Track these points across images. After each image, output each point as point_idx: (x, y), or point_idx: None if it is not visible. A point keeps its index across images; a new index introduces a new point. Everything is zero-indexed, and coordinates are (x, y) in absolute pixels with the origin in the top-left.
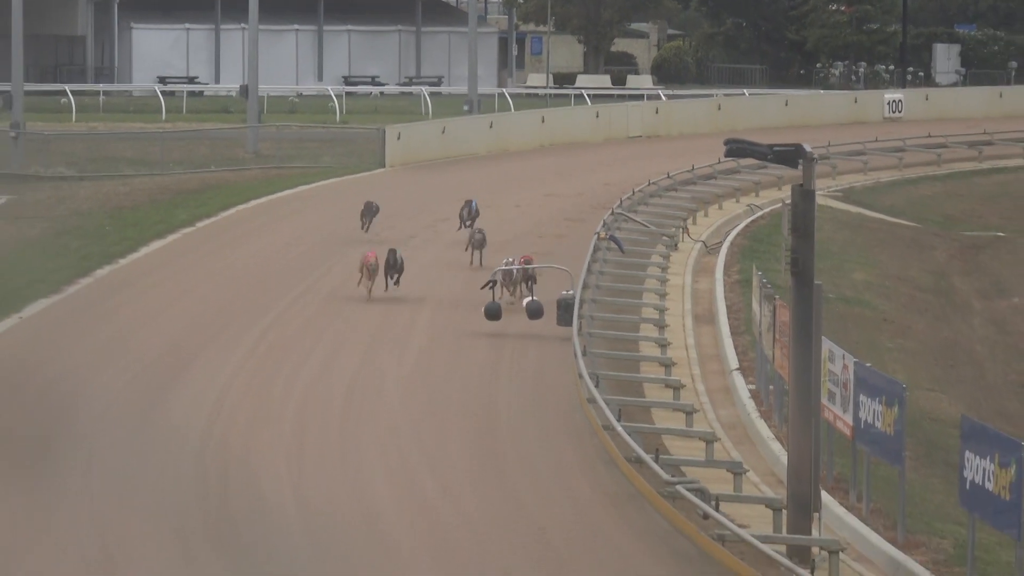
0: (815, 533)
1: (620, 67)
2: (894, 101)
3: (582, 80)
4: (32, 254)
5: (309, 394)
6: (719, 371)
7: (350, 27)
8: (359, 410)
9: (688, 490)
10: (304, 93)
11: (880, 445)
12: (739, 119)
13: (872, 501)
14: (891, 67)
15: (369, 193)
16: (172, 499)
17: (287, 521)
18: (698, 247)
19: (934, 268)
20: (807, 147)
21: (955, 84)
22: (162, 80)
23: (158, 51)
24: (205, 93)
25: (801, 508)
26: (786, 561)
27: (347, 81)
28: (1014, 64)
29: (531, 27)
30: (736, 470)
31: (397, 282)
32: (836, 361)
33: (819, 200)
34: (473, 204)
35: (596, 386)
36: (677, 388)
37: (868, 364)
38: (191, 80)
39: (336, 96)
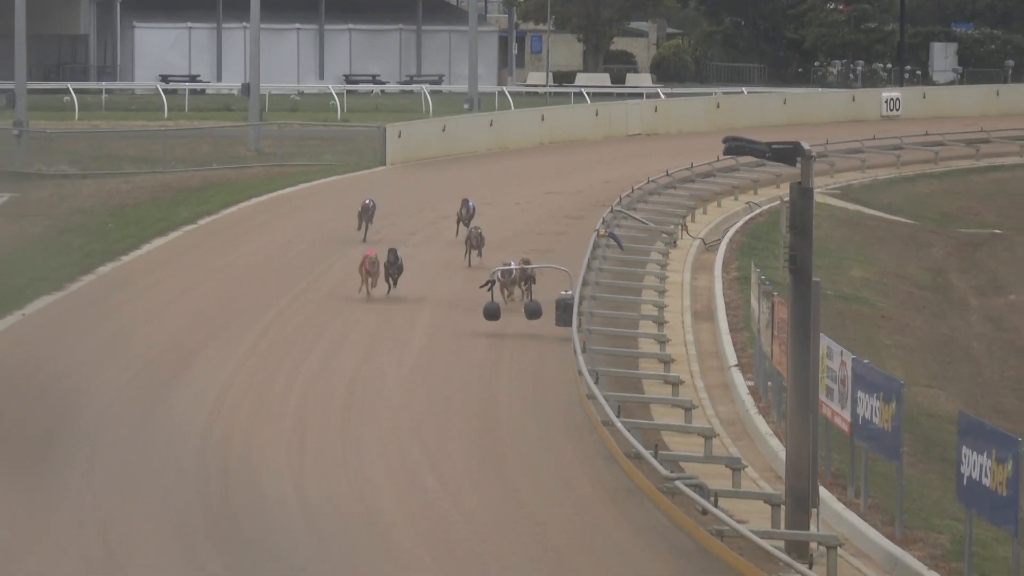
0: (813, 529)
1: (619, 65)
2: (892, 99)
3: (582, 78)
4: (35, 252)
5: (310, 391)
6: (718, 367)
7: (351, 26)
8: (360, 407)
9: (687, 486)
10: (305, 91)
11: (878, 441)
12: (738, 117)
13: (870, 497)
14: (889, 66)
15: (370, 191)
16: (174, 496)
17: (288, 518)
18: (697, 244)
19: (932, 265)
20: (805, 145)
21: (952, 82)
22: (164, 78)
23: (160, 50)
24: (207, 91)
25: (799, 504)
26: (784, 556)
27: (348, 79)
28: (1011, 63)
29: (531, 26)
30: (735, 466)
31: (395, 283)
32: (834, 358)
33: (817, 198)
34: (470, 204)
35: (596, 382)
36: (676, 384)
37: (866, 361)
38: (193, 78)
39: (337, 94)
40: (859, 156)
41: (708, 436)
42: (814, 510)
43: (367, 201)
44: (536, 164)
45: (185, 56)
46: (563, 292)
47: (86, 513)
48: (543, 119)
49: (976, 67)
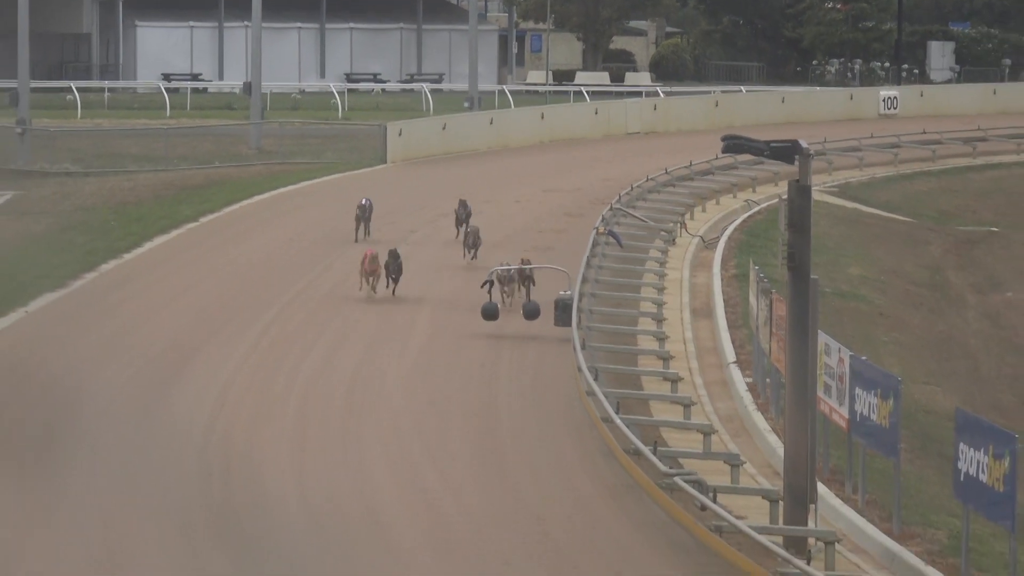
0: (811, 524)
1: (619, 64)
2: (889, 98)
3: (581, 77)
4: (38, 249)
5: (311, 390)
6: (716, 364)
7: (352, 25)
8: (360, 405)
9: (686, 482)
10: (307, 90)
11: (875, 437)
12: (736, 116)
13: (868, 493)
14: (886, 64)
15: (370, 189)
16: (175, 494)
17: (289, 516)
18: (696, 242)
19: (929, 263)
20: (803, 143)
21: (949, 81)
22: (166, 77)
23: (162, 48)
24: (209, 90)
25: (797, 499)
26: (783, 552)
27: (349, 78)
28: (1008, 61)
29: (531, 25)
30: (733, 462)
31: (395, 283)
32: (832, 354)
33: (815, 196)
34: (468, 204)
35: (595, 379)
36: (675, 381)
37: (864, 357)
38: (195, 77)
39: (338, 93)
40: (857, 154)
41: (707, 432)
42: (812, 506)
43: (363, 201)
44: (536, 162)
45: (187, 55)
46: (562, 292)
47: (88, 511)
48: (543, 117)
49: (973, 66)
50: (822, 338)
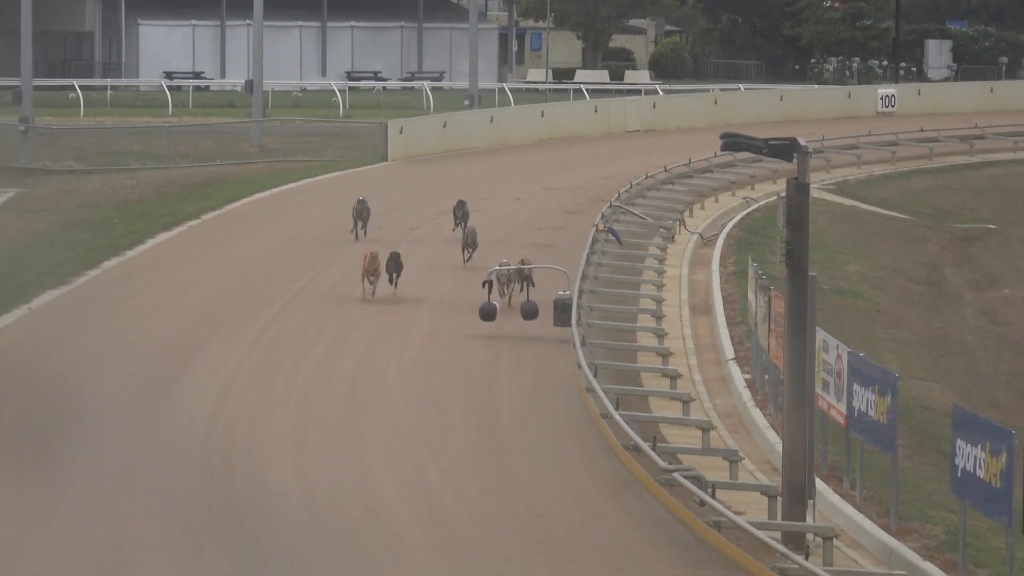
0: (809, 520)
1: (618, 62)
2: (887, 96)
3: (581, 75)
4: (41, 246)
5: (312, 387)
6: (715, 361)
7: (353, 23)
8: (361, 402)
9: (685, 478)
10: (308, 88)
11: (873, 433)
12: (735, 114)
13: (865, 488)
14: (884, 63)
15: (371, 187)
16: (177, 491)
17: (291, 511)
18: (695, 239)
19: (926, 260)
20: (802, 141)
21: (947, 79)
22: (168, 75)
23: (164, 47)
24: (211, 88)
25: (796, 495)
26: (781, 547)
27: (350, 76)
28: (1005, 59)
29: (531, 23)
30: (732, 458)
31: (397, 276)
32: (830, 351)
33: (813, 193)
34: (466, 204)
35: (595, 375)
36: (674, 377)
37: (862, 354)
38: (197, 75)
39: (339, 91)
40: (855, 152)
41: (706, 429)
42: (810, 502)
43: (360, 199)
44: (536, 160)
45: (189, 53)
46: (561, 292)
47: (89, 508)
48: (543, 115)
49: (970, 64)
50: (820, 335)
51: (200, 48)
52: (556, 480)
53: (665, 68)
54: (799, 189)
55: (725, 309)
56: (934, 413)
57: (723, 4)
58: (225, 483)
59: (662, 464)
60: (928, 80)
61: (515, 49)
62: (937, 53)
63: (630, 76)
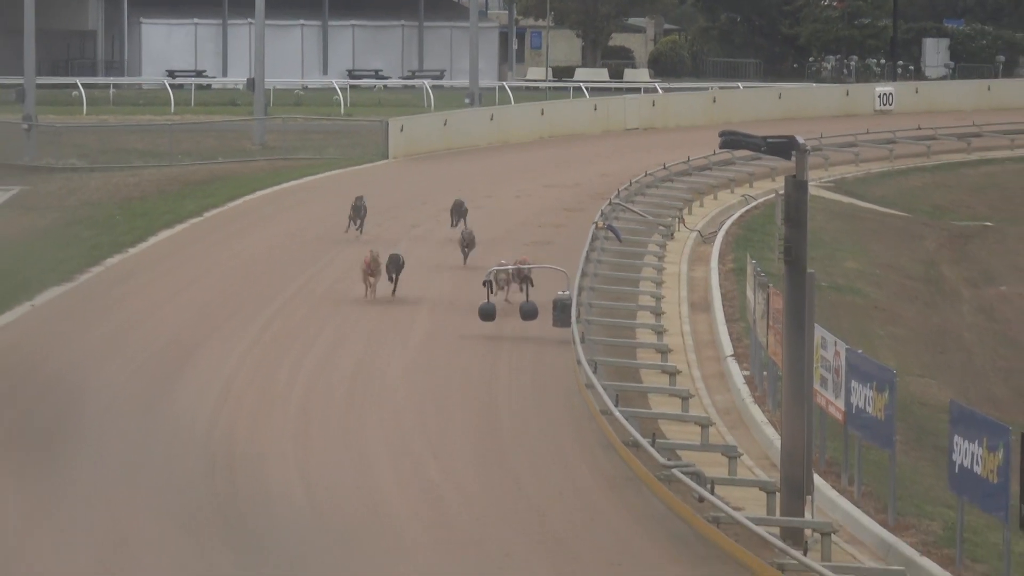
0: (808, 515)
1: (617, 61)
2: (885, 94)
3: (580, 74)
4: (44, 244)
5: (313, 384)
6: (714, 357)
7: (354, 22)
8: (362, 400)
9: (684, 473)
10: (309, 86)
11: (871, 430)
12: (734, 112)
13: (863, 484)
14: (882, 61)
15: (372, 185)
16: (178, 488)
17: (293, 509)
18: (694, 236)
19: (924, 257)
20: (800, 139)
21: (944, 77)
22: (171, 74)
23: (167, 45)
24: (213, 86)
25: (794, 491)
26: (779, 543)
27: (351, 74)
28: (1002, 58)
29: (531, 22)
30: (731, 454)
31: (397, 276)
32: (828, 348)
33: (812, 191)
34: (463, 204)
35: (594, 372)
36: (673, 374)
37: (859, 351)
38: (199, 74)
39: (340, 89)
40: (853, 150)
41: (705, 425)
42: (809, 497)
43: (358, 197)
44: (536, 157)
45: (191, 52)
46: (560, 292)
47: (92, 505)
48: (543, 113)
49: (968, 62)
50: (818, 331)
51: (202, 47)
52: (556, 476)
53: (664, 66)
54: (797, 187)
55: (724, 306)
56: (931, 409)
57: (722, 3)
58: (226, 480)
59: (661, 460)
60: (925, 78)
61: (515, 47)
62: (934, 51)
63: (629, 74)
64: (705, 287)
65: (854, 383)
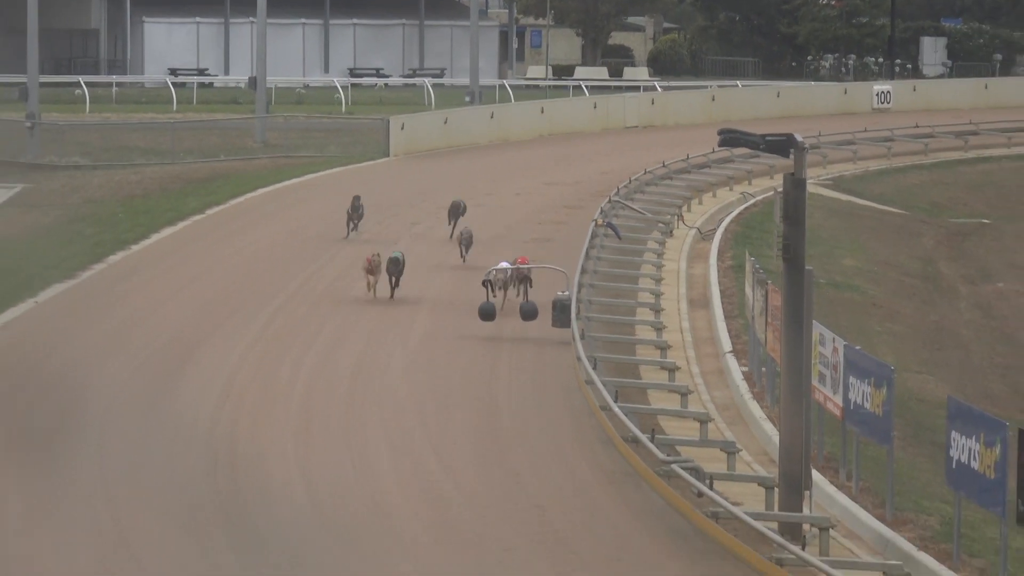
0: (806, 510)
1: (617, 59)
2: (883, 92)
3: (580, 72)
4: (47, 241)
5: (314, 381)
6: (713, 354)
7: (355, 21)
8: (363, 396)
9: (683, 469)
10: (311, 85)
11: (869, 425)
12: (732, 110)
13: (861, 480)
14: (880, 59)
15: (373, 183)
16: (181, 484)
17: (294, 504)
18: (692, 234)
19: (921, 254)
20: (798, 137)
21: (942, 76)
22: (173, 72)
23: (169, 44)
24: (215, 85)
25: (792, 486)
26: (778, 538)
27: (352, 73)
28: (999, 56)
29: (531, 20)
30: (729, 450)
31: (397, 283)
32: (826, 344)
33: (810, 188)
34: (461, 205)
35: (594, 368)
36: (672, 370)
37: (858, 347)
38: (201, 72)
39: (342, 87)
40: (851, 148)
41: (703, 420)
42: (807, 492)
43: (355, 197)
44: (536, 155)
45: (193, 50)
46: (560, 293)
47: (94, 501)
48: (543, 112)
49: (965, 61)
50: (817, 328)
51: (204, 45)
52: (556, 472)
53: (663, 65)
54: (796, 184)
55: (723, 303)
56: (929, 405)
57: (721, 2)
58: (228, 477)
59: (661, 456)
60: (923, 77)
61: (515, 46)
62: (932, 50)
63: (629, 73)
64: (704, 284)
65: (852, 379)
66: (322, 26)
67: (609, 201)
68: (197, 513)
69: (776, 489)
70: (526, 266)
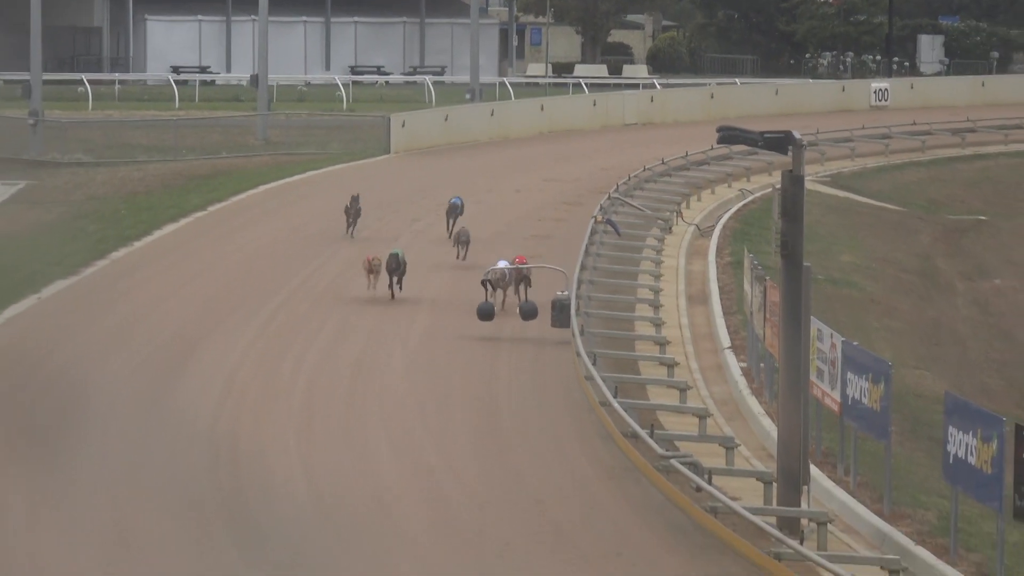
0: (804, 505)
1: (616, 57)
2: (880, 90)
3: (580, 70)
4: (50, 237)
5: (316, 377)
6: (712, 349)
7: (357, 19)
8: (364, 393)
9: (682, 464)
10: (312, 82)
11: (867, 421)
12: (731, 107)
13: (859, 475)
14: (877, 57)
15: (374, 180)
16: (182, 480)
17: (296, 500)
18: (691, 230)
19: (919, 251)
20: (796, 134)
21: (939, 74)
22: (175, 70)
23: (171, 42)
24: (217, 82)
25: (791, 481)
26: (776, 532)
27: (353, 71)
28: (996, 54)
29: (531, 18)
30: (728, 445)
31: (400, 284)
32: (824, 340)
33: (808, 185)
34: (459, 205)
35: (593, 364)
36: (671, 366)
37: (855, 343)
38: (203, 70)
39: (343, 85)
40: (849, 145)
41: (702, 416)
42: (805, 487)
43: (353, 196)
44: (536, 152)
45: (195, 48)
46: (559, 292)
47: (96, 497)
48: (542, 109)
49: (962, 59)
50: (815, 324)
51: (206, 43)
52: (556, 467)
53: (663, 63)
54: (794, 181)
55: (721, 299)
56: (926, 401)
57: (719, 0)
58: (230, 473)
59: (660, 451)
60: (921, 75)
61: (515, 44)
62: (929, 48)
63: (628, 70)
64: (703, 280)
65: (850, 375)
66: (323, 24)
67: (608, 198)
68: (198, 510)
69: (774, 484)
70: (525, 266)
